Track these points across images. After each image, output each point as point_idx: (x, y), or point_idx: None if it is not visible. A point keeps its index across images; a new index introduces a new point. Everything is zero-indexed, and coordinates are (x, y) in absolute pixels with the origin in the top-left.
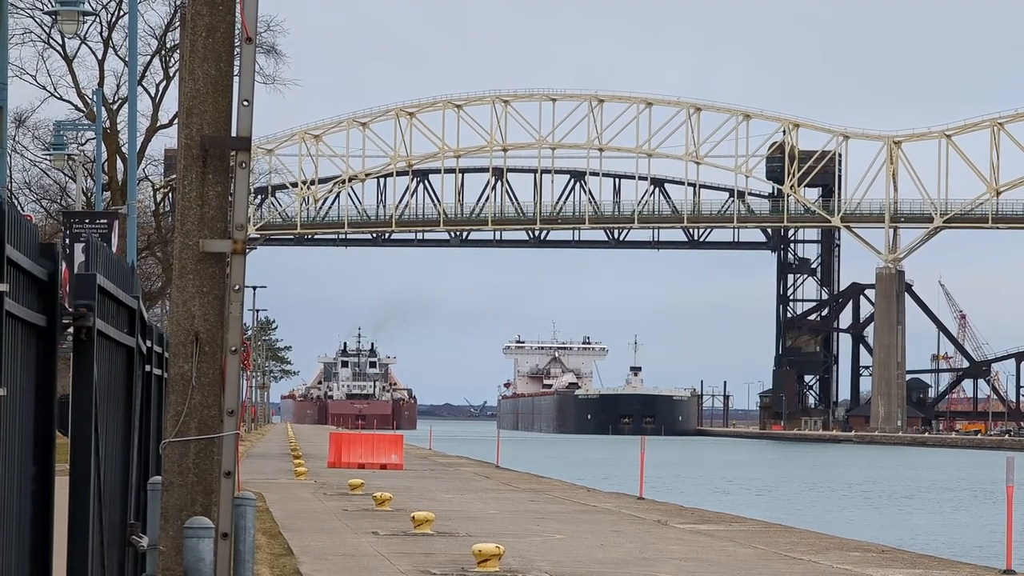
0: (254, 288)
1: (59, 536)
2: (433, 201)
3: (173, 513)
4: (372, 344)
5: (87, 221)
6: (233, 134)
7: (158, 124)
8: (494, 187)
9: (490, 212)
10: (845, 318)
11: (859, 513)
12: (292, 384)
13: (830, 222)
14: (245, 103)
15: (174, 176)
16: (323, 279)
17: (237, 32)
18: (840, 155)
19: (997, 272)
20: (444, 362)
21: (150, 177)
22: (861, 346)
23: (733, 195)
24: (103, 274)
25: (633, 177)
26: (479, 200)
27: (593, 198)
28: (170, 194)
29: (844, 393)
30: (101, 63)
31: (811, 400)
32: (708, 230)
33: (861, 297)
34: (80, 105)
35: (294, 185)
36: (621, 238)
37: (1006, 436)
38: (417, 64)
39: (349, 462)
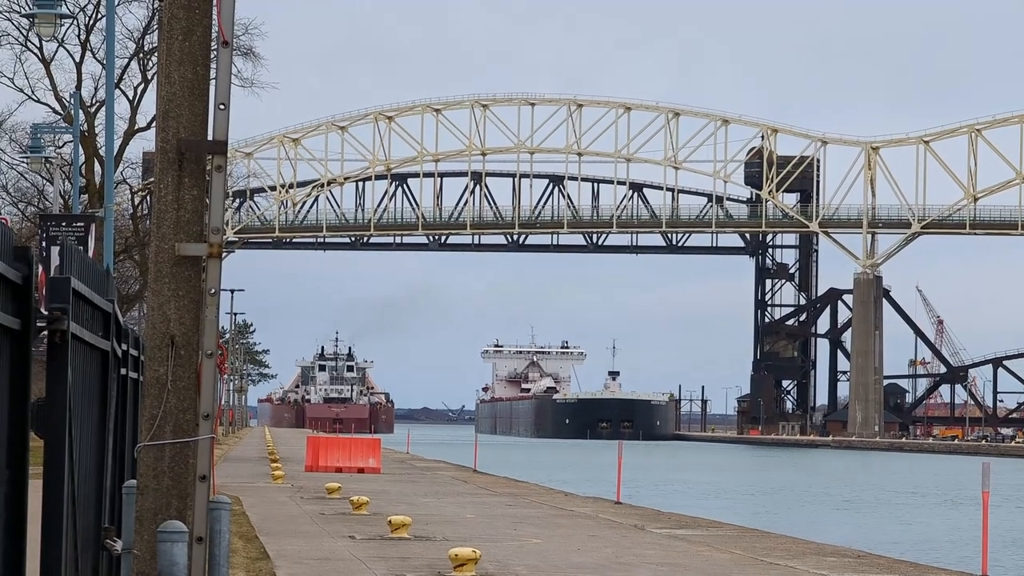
0: (232, 291)
1: (32, 540)
2: (412, 205)
3: (148, 517)
4: (350, 348)
5: (64, 224)
6: (209, 138)
7: (136, 127)
8: (473, 191)
9: (469, 216)
10: (823, 323)
11: (836, 518)
12: (270, 387)
13: (808, 227)
14: (222, 107)
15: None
16: (301, 283)
17: (214, 35)
18: (818, 161)
19: (975, 278)
20: (422, 366)
21: (128, 180)
22: (839, 351)
23: (711, 200)
24: (78, 277)
25: (612, 182)
26: (458, 204)
27: (572, 202)
28: (148, 197)
29: (822, 398)
30: (79, 66)
31: (789, 405)
32: (686, 235)
33: (839, 302)
34: (58, 108)
35: (272, 188)
36: (600, 243)
37: (983, 442)
38: (396, 68)
39: (327, 466)
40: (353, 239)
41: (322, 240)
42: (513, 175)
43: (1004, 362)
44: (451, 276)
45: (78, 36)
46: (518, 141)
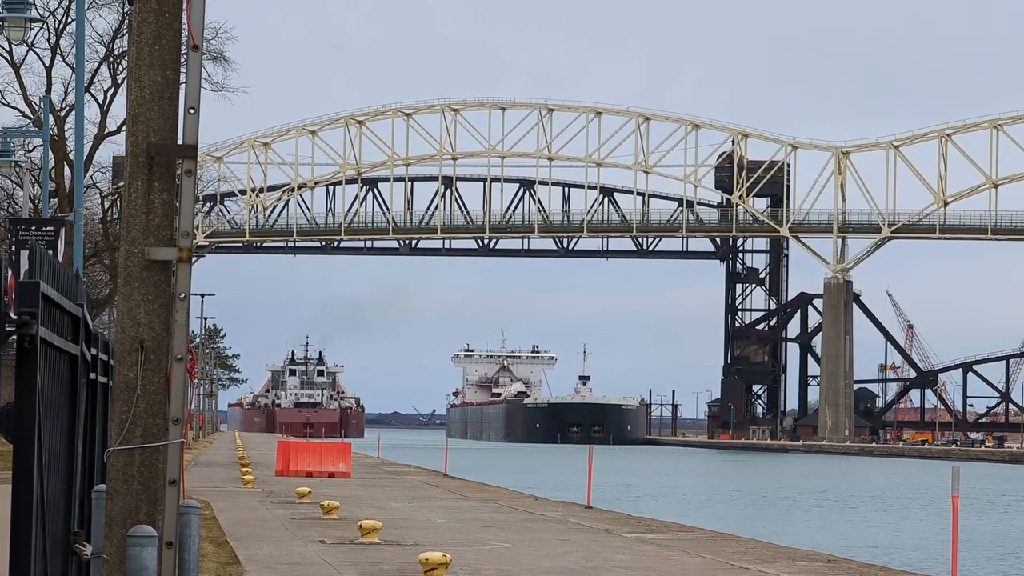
0: (202, 296)
1: (1, 544)
2: (382, 209)
3: (117, 521)
4: (320, 352)
5: (33, 228)
6: (179, 142)
7: (106, 131)
8: (443, 195)
9: (439, 220)
10: (793, 328)
11: (806, 522)
12: (240, 392)
13: (778, 232)
14: (192, 111)
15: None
16: (272, 287)
17: (184, 39)
18: (789, 165)
19: (944, 282)
20: (393, 370)
21: (98, 184)
22: (809, 356)
23: (682, 205)
24: (47, 282)
25: (582, 186)
26: (428, 208)
27: (542, 207)
28: (118, 201)
29: (792, 402)
30: (49, 70)
31: (759, 409)
32: (657, 239)
33: (809, 307)
34: (27, 112)
35: (243, 193)
36: (570, 247)
37: (953, 446)
38: (367, 72)
39: (297, 470)
40: (324, 243)
41: (292, 244)
42: (484, 179)
43: (974, 366)
44: (422, 280)
45: (48, 40)
46: (489, 145)
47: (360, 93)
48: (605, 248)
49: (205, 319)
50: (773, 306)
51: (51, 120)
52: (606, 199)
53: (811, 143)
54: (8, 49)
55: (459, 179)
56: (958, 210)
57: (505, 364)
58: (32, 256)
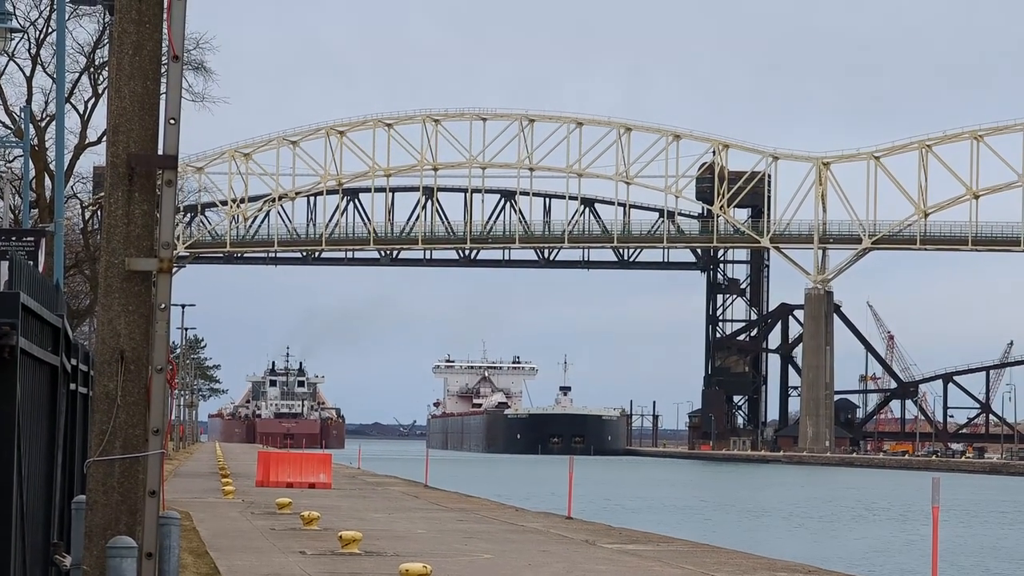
0: (182, 306)
1: None
2: (363, 220)
3: (97, 532)
4: (300, 363)
5: (13, 239)
6: (160, 152)
7: (87, 141)
8: (424, 206)
9: (420, 231)
10: (774, 338)
11: (786, 533)
12: (220, 403)
13: (759, 243)
14: (172, 121)
15: (103, 194)
16: (252, 298)
17: (164, 50)
18: (769, 176)
19: (925, 293)
20: (373, 381)
21: (78, 195)
22: (790, 366)
23: (663, 215)
24: (27, 292)
25: (563, 197)
26: (409, 219)
27: (523, 217)
28: (98, 212)
29: (773, 413)
30: (29, 80)
31: (740, 420)
32: (638, 250)
33: (790, 318)
34: (8, 122)
35: (223, 203)
36: (551, 258)
37: (933, 457)
38: (348, 82)
39: (277, 481)
40: (304, 254)
41: (273, 255)
42: (465, 190)
43: (954, 377)
44: (402, 291)
45: (28, 50)
46: (470, 156)
47: (341, 104)
48: (586, 259)
49: (186, 330)
50: (754, 317)
51: (31, 130)
52: (587, 210)
53: (792, 154)
54: None
55: (440, 190)
56: (939, 221)
57: (486, 375)
58: (12, 267)
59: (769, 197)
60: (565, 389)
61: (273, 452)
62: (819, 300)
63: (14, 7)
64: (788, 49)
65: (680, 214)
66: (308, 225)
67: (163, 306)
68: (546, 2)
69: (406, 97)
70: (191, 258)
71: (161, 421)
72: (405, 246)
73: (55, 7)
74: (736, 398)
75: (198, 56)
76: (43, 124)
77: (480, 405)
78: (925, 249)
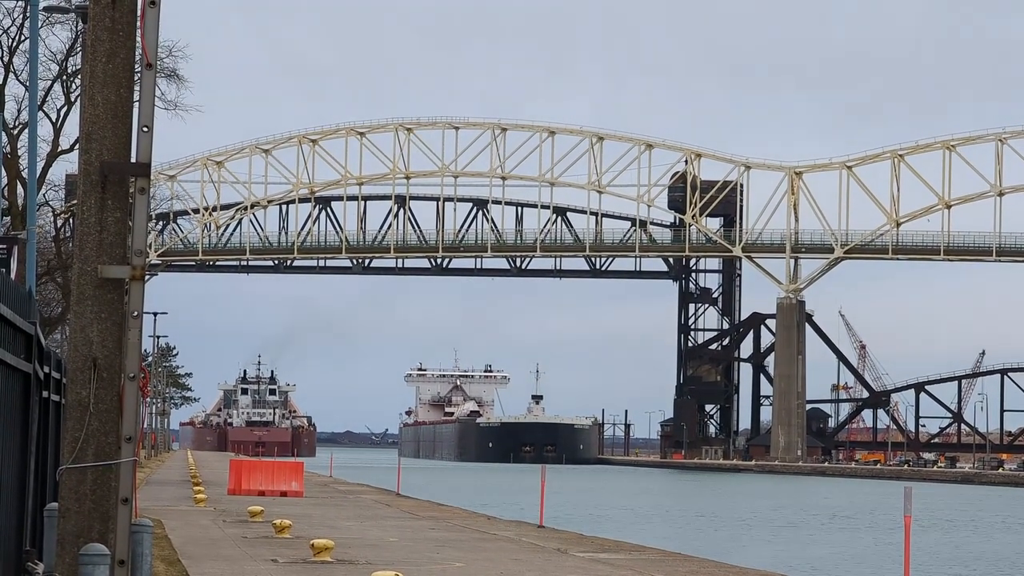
0: (155, 314)
1: None
2: (335, 228)
3: (70, 540)
4: (272, 371)
5: None
6: (133, 160)
7: (59, 149)
8: (396, 215)
9: (392, 240)
10: (746, 348)
11: (758, 542)
12: (192, 411)
13: (731, 252)
14: (145, 129)
15: (75, 202)
16: (224, 306)
17: (138, 58)
18: (742, 185)
19: (897, 303)
20: (345, 389)
21: (51, 202)
22: (762, 375)
23: (635, 224)
24: (0, 300)
25: (536, 206)
26: (381, 227)
27: (496, 226)
28: (71, 219)
29: (745, 422)
30: (1, 88)
31: (712, 429)
32: (610, 259)
33: (762, 327)
34: None
35: (196, 211)
36: (523, 266)
37: (905, 466)
38: (320, 91)
39: (249, 489)
40: (276, 262)
41: (245, 263)
42: (437, 199)
43: (926, 387)
44: (375, 299)
45: (1, 58)
46: (442, 165)
47: (313, 112)
48: (558, 267)
49: (158, 338)
50: (726, 326)
51: (4, 138)
52: (559, 218)
53: (764, 163)
54: None
55: (412, 198)
56: (911, 231)
57: (458, 383)
58: None
59: (741, 206)
60: (537, 398)
61: (245, 460)
62: (791, 309)
63: None
64: (760, 59)
65: (652, 223)
66: (280, 233)
67: (135, 314)
68: (520, 12)
69: (379, 106)
70: (163, 266)
71: (134, 429)
72: (377, 254)
73: (28, 15)
74: (708, 407)
75: (171, 64)
76: (16, 132)
77: (452, 414)
78: (897, 259)
